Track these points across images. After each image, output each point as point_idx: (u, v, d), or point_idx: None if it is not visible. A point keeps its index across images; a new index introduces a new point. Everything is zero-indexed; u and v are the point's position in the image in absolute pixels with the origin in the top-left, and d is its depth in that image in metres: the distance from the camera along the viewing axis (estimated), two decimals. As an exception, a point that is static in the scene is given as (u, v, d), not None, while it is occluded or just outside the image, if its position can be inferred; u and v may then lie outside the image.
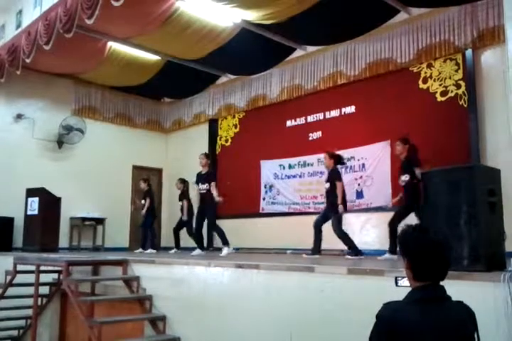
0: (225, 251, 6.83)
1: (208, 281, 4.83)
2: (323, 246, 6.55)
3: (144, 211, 9.13)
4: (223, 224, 7.78)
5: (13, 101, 9.90)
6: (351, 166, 8.34)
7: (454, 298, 1.80)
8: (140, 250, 9.01)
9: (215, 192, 7.04)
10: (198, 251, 7.25)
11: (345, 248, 6.45)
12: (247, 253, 8.51)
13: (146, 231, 9.21)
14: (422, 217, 3.43)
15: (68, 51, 8.53)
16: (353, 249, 6.21)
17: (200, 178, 7.41)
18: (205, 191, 7.25)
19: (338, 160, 6.80)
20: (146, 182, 9.48)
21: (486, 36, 6.93)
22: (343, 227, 6.41)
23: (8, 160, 9.46)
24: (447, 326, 1.72)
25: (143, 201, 9.25)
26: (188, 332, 4.88)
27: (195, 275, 5.00)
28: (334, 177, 6.59)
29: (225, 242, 7.01)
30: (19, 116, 9.91)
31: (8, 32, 9.02)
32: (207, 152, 8.69)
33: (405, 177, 5.93)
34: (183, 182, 9.01)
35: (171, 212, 10.75)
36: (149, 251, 8.87)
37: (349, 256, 6.12)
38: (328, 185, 6.60)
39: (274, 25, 7.89)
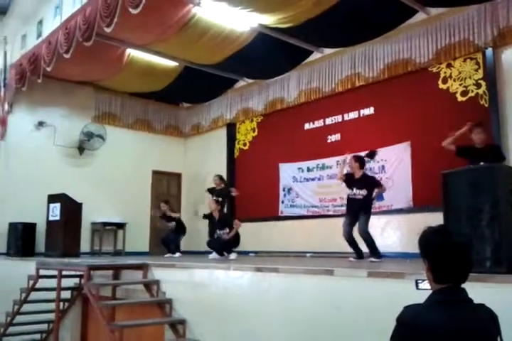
0: (234, 255, 7.28)
1: (227, 285, 4.83)
2: (346, 249, 6.47)
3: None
4: (243, 227, 7.79)
5: (35, 109, 10.08)
6: (371, 168, 8.24)
7: (475, 301, 1.76)
8: (169, 254, 9.08)
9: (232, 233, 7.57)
10: (214, 255, 7.29)
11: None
12: (266, 256, 8.49)
13: (176, 237, 9.36)
14: (443, 218, 3.36)
15: (88, 59, 8.66)
16: (376, 252, 6.04)
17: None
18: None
19: (364, 163, 6.53)
20: (168, 204, 9.68)
21: (507, 34, 6.79)
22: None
23: (30, 167, 9.61)
24: (469, 329, 1.69)
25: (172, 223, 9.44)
26: (208, 336, 4.88)
27: (215, 279, 5.00)
28: (373, 184, 6.38)
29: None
30: (41, 124, 10.08)
31: (29, 41, 9.21)
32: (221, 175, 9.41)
33: None
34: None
35: (190, 216, 10.79)
36: (178, 254, 8.95)
37: (373, 259, 5.91)
38: (365, 192, 6.23)
39: (290, 29, 7.88)
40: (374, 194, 6.38)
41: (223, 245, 7.47)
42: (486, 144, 5.62)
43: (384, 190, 6.64)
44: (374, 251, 6.00)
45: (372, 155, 6.81)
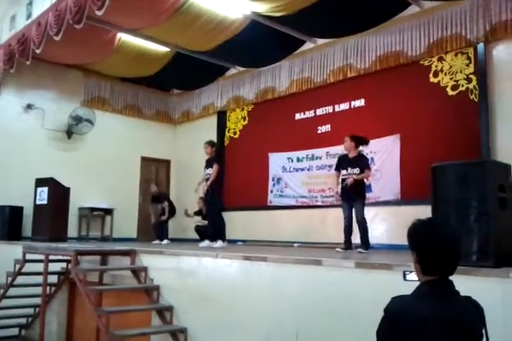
0: (220, 243, 6.78)
1: (215, 273, 4.86)
2: (333, 240, 6.52)
3: (165, 214, 9.49)
4: (231, 216, 7.81)
5: (24, 92, 9.95)
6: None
7: (462, 294, 1.79)
8: (157, 241, 9.17)
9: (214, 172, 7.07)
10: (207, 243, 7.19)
11: (353, 242, 6.34)
12: (253, 245, 8.54)
13: (163, 224, 9.54)
14: (432, 211, 3.40)
15: (78, 42, 8.53)
16: (367, 243, 6.03)
17: (206, 164, 7.44)
18: (208, 176, 7.21)
19: (360, 142, 6.39)
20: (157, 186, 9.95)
21: (499, 30, 6.83)
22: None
23: (17, 149, 9.52)
24: (455, 321, 1.71)
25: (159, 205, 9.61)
26: (195, 322, 4.92)
27: (203, 267, 5.03)
28: (364, 162, 6.24)
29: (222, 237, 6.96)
30: (29, 107, 9.96)
31: (18, 22, 9.02)
32: (211, 140, 8.34)
33: None
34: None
35: (178, 202, 10.80)
36: (165, 241, 9.04)
37: (362, 250, 5.89)
38: (357, 170, 6.14)
39: (283, 18, 7.84)
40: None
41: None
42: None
43: (367, 177, 6.40)
44: (364, 241, 6.00)
45: (367, 142, 6.61)
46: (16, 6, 9.12)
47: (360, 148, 6.48)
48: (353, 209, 6.11)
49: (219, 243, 6.76)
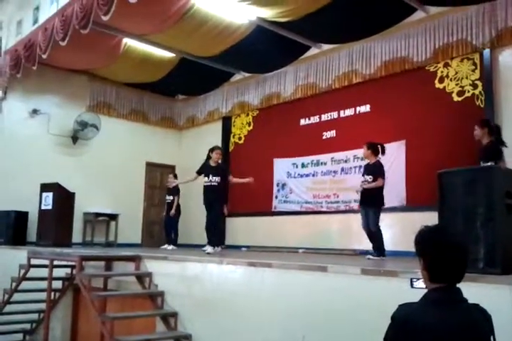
0: (212, 249, 6.81)
1: (219, 279, 4.84)
2: (338, 246, 6.48)
3: (173, 208, 9.28)
4: (236, 221, 7.79)
5: (29, 97, 9.99)
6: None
7: (470, 301, 1.78)
8: (166, 246, 9.13)
9: (239, 180, 7.28)
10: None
11: (359, 248, 6.33)
12: (258, 251, 8.51)
13: (172, 228, 9.38)
14: (438, 217, 3.37)
15: (84, 47, 8.58)
16: (379, 249, 5.98)
17: (211, 171, 7.15)
18: (216, 184, 7.14)
19: (378, 150, 6.35)
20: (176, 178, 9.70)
21: (505, 36, 6.81)
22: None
23: (23, 154, 9.54)
24: (463, 328, 1.70)
25: (170, 197, 9.41)
26: (200, 329, 4.89)
27: (208, 273, 5.00)
28: (378, 171, 6.18)
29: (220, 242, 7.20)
30: (35, 112, 10.00)
31: (25, 28, 9.09)
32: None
33: None
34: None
35: (183, 207, 10.78)
36: (171, 247, 9.00)
37: (371, 257, 5.89)
38: (370, 178, 6.14)
39: (289, 23, 7.86)
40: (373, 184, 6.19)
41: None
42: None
43: (378, 185, 6.23)
44: (376, 247, 5.98)
45: (383, 148, 6.49)
46: (23, 11, 9.20)
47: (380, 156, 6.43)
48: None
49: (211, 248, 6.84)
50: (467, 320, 1.72)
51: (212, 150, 7.35)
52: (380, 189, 6.16)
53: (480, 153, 5.35)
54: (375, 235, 6.01)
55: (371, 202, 6.14)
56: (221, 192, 7.30)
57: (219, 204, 7.44)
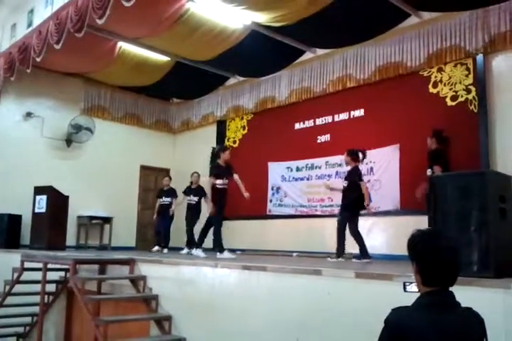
0: (185, 251, 7.61)
1: (214, 282, 4.84)
2: (332, 249, 6.53)
3: (171, 210, 9.17)
4: (230, 225, 7.79)
5: (23, 100, 9.97)
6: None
7: (463, 305, 1.79)
8: (159, 248, 9.05)
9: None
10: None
11: (354, 252, 6.40)
12: (252, 254, 8.51)
13: (167, 230, 9.30)
14: (432, 221, 3.40)
15: (78, 51, 8.57)
16: (361, 252, 6.17)
17: (224, 171, 6.92)
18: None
19: (358, 156, 6.67)
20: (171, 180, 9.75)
21: (498, 41, 6.88)
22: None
23: (17, 158, 9.51)
24: (456, 332, 1.71)
25: (168, 199, 9.28)
26: (194, 332, 4.88)
27: (202, 276, 5.00)
28: (353, 175, 6.54)
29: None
30: (29, 115, 9.98)
31: (19, 31, 9.07)
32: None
33: None
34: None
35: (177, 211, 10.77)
36: (166, 250, 8.99)
37: (356, 260, 6.07)
38: (346, 183, 6.55)
39: (283, 28, 7.89)
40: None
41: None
42: None
43: (362, 189, 6.40)
44: (360, 250, 6.17)
45: (363, 154, 6.81)
46: (17, 14, 9.18)
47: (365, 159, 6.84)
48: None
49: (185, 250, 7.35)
50: (460, 324, 1.74)
51: (224, 149, 7.10)
52: (357, 194, 6.37)
53: (428, 157, 6.24)
54: (356, 238, 6.28)
55: (343, 206, 6.51)
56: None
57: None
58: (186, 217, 8.55)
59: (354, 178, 6.44)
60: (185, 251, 8.13)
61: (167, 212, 9.13)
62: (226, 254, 6.49)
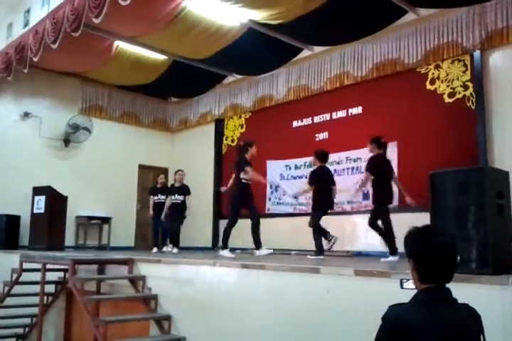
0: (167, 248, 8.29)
1: (213, 281, 4.83)
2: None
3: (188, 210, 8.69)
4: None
5: (21, 100, 9.96)
6: (357, 167, 8.31)
7: (460, 301, 1.79)
8: (169, 248, 8.66)
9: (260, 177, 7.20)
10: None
11: (352, 249, 6.42)
12: (251, 253, 8.49)
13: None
14: (430, 218, 3.39)
15: (75, 50, 8.56)
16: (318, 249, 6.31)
17: (249, 166, 6.75)
18: (179, 201, 8.39)
19: (322, 158, 6.71)
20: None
21: (495, 37, 6.89)
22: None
23: (14, 158, 9.50)
24: (453, 328, 1.71)
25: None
26: (194, 332, 4.87)
27: (201, 275, 4.99)
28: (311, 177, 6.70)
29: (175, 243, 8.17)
30: (26, 115, 9.97)
31: (15, 30, 9.06)
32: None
33: None
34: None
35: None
36: (175, 250, 8.74)
37: (310, 256, 6.21)
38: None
39: (281, 26, 7.88)
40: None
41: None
42: None
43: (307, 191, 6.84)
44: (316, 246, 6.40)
45: (326, 156, 6.93)
46: (13, 13, 9.16)
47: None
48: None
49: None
50: (457, 320, 1.74)
51: (251, 144, 6.91)
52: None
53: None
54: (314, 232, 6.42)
55: (314, 201, 6.62)
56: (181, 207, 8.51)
57: (180, 216, 8.56)
58: (170, 216, 8.49)
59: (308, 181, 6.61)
60: (167, 249, 8.60)
61: (178, 210, 8.52)
62: (226, 253, 6.46)
